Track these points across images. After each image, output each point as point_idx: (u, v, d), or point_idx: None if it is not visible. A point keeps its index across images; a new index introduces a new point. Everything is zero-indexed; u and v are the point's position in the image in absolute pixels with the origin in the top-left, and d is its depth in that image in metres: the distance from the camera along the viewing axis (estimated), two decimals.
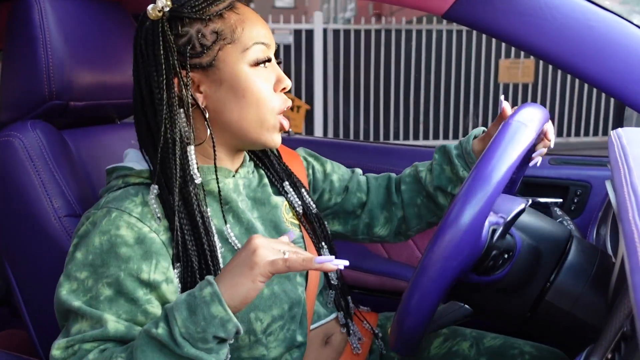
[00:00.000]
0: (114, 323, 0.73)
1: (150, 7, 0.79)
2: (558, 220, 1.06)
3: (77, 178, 1.04)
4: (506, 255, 0.82)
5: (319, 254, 0.97)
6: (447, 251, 0.71)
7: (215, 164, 0.83)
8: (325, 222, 1.01)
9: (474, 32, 6.65)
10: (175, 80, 0.80)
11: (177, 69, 0.79)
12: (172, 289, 0.79)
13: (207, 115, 0.82)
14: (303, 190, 0.99)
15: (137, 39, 0.82)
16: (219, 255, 0.82)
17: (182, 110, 0.80)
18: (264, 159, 0.98)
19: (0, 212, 1.02)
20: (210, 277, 0.70)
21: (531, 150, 0.94)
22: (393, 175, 1.11)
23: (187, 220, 0.80)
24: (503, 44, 6.99)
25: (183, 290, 0.80)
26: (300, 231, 0.97)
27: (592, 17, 0.99)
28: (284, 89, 0.86)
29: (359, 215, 1.08)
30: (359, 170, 1.13)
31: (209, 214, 0.83)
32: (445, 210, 0.98)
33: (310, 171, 1.08)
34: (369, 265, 1.57)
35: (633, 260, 0.43)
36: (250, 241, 0.71)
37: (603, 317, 0.76)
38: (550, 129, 0.96)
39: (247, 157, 0.95)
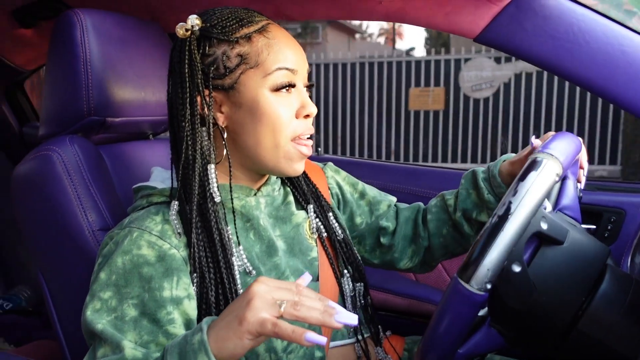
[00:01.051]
0: (131, 350, 0.73)
1: (179, 25, 0.81)
2: None
3: (111, 193, 1.06)
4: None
5: (338, 280, 0.95)
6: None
7: (230, 183, 0.84)
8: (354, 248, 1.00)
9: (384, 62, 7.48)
10: (199, 99, 0.81)
11: (200, 88, 0.81)
12: (193, 305, 0.79)
13: (224, 135, 0.84)
14: (330, 214, 0.98)
15: (171, 56, 0.85)
16: (237, 274, 0.82)
17: (204, 128, 0.82)
18: (293, 179, 0.98)
19: (36, 224, 1.05)
20: (205, 322, 0.69)
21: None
22: (422, 206, 1.09)
23: (204, 236, 0.81)
24: (413, 73, 7.64)
25: (199, 305, 0.80)
26: (317, 255, 0.95)
27: (625, 42, 0.98)
28: (308, 115, 0.85)
29: (385, 245, 1.06)
30: (393, 198, 1.11)
31: (229, 232, 0.83)
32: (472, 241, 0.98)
33: (337, 190, 1.07)
34: (397, 288, 1.56)
35: None
36: (250, 288, 0.66)
37: (637, 348, 0.74)
38: (583, 156, 0.93)
39: (273, 177, 0.95)
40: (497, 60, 7.34)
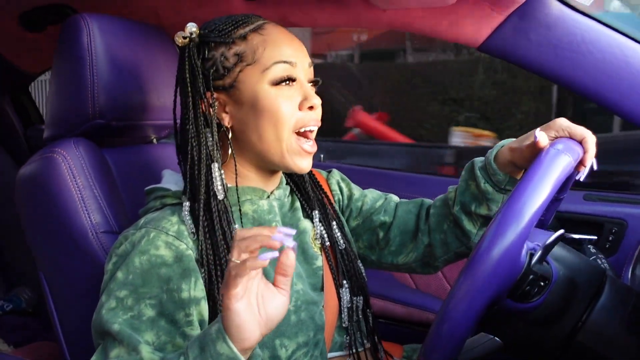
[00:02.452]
0: (149, 354, 0.72)
1: (177, 34, 0.84)
2: (592, 258, 1.03)
3: (115, 195, 1.07)
4: (542, 283, 0.80)
5: (337, 292, 0.95)
6: (477, 284, 0.70)
7: (236, 181, 0.85)
8: (358, 260, 1.00)
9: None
10: (200, 102, 0.84)
11: (202, 92, 0.83)
12: (206, 306, 0.80)
13: (229, 135, 0.85)
14: (334, 223, 0.98)
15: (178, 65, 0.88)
16: None
17: (208, 129, 0.84)
18: (300, 185, 0.98)
19: (39, 226, 1.06)
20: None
21: (568, 179, 0.91)
22: (427, 201, 1.06)
23: (210, 235, 0.81)
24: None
25: (208, 302, 0.80)
26: (322, 264, 0.95)
27: (629, 53, 0.98)
28: (312, 107, 0.86)
29: (382, 238, 1.04)
30: (393, 197, 1.09)
31: (235, 231, 0.83)
32: (474, 242, 0.97)
33: (339, 196, 1.07)
34: (397, 295, 1.56)
35: None
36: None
37: None
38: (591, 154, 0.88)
39: (284, 180, 0.96)
40: None
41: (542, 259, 0.79)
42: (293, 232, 0.65)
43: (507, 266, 0.72)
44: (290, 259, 0.67)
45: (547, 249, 0.78)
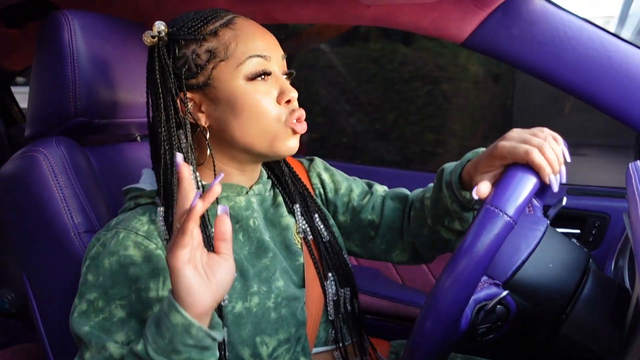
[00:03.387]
0: (117, 350, 0.73)
1: (145, 33, 0.82)
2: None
3: (98, 194, 1.06)
4: (499, 322, 0.80)
5: (322, 284, 0.93)
6: (430, 332, 0.70)
7: (214, 184, 0.82)
8: (343, 251, 0.98)
9: None
10: (178, 102, 0.82)
11: (174, 92, 0.81)
12: None
13: (207, 135, 0.83)
14: (316, 215, 0.97)
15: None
16: None
17: (180, 131, 0.81)
18: (280, 177, 0.96)
19: (21, 226, 1.04)
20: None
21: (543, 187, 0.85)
22: (412, 196, 1.02)
23: None
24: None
25: None
26: (302, 257, 0.93)
27: (611, 48, 0.99)
28: (289, 100, 0.84)
29: (372, 237, 1.02)
30: (379, 190, 1.04)
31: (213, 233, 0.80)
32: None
33: (320, 190, 1.04)
34: (383, 291, 1.56)
35: None
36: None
37: (619, 351, 0.75)
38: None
39: (265, 174, 0.95)
40: None
41: (492, 312, 0.78)
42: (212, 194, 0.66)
43: (445, 332, 0.71)
44: (225, 224, 0.69)
45: (492, 308, 0.78)
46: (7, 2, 1.38)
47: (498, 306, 0.79)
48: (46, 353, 1.07)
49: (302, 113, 0.85)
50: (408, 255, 1.02)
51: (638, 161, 0.81)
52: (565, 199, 0.98)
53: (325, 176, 1.05)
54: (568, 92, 1.08)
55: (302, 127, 0.85)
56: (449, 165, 0.90)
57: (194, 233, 0.65)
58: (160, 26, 0.82)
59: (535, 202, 0.97)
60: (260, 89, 0.82)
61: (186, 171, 0.66)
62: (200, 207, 0.64)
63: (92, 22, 1.08)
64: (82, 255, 0.97)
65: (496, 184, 0.73)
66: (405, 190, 1.04)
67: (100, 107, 1.07)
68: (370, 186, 1.06)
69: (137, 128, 1.23)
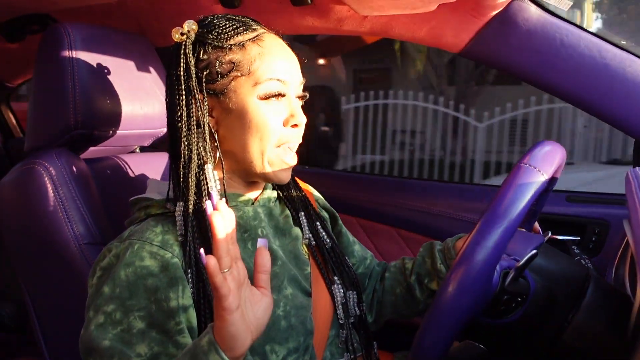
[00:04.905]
0: None
1: (175, 29, 0.82)
2: (576, 259, 1.04)
3: (98, 206, 1.06)
4: (519, 299, 0.81)
5: (329, 289, 0.95)
6: (461, 288, 0.71)
7: (224, 187, 0.84)
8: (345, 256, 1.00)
9: None
10: (193, 102, 0.82)
11: (194, 91, 0.82)
12: (194, 313, 0.79)
13: (216, 137, 0.84)
14: (318, 223, 0.99)
15: (169, 62, 0.86)
16: None
17: (199, 130, 0.83)
18: (284, 189, 0.98)
19: (22, 238, 1.04)
20: (211, 325, 0.69)
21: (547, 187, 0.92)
22: (382, 264, 1.14)
23: (200, 239, 0.80)
24: None
25: (197, 303, 0.79)
26: (309, 267, 0.94)
27: (608, 55, 1.00)
28: (296, 125, 0.86)
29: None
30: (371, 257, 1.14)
31: None
32: (421, 309, 1.03)
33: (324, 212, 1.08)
34: None
35: None
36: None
37: (621, 358, 0.74)
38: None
39: (270, 186, 0.96)
40: None
41: (517, 277, 0.80)
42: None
43: (486, 275, 0.72)
44: (265, 257, 0.70)
45: (521, 269, 0.79)
46: (8, 16, 1.38)
47: (520, 279, 0.81)
48: None
49: (299, 138, 0.88)
50: (372, 316, 1.10)
51: (637, 168, 0.81)
52: (549, 233, 1.02)
53: (328, 207, 1.10)
54: (565, 99, 1.08)
55: (293, 161, 0.88)
56: (437, 242, 1.03)
57: (234, 273, 0.66)
58: (190, 25, 0.83)
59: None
60: (272, 109, 0.84)
61: (212, 262, 0.64)
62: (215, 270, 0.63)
63: (91, 34, 1.08)
64: (83, 267, 0.97)
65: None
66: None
67: (100, 119, 1.07)
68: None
69: (137, 139, 1.23)
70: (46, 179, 1.00)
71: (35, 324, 1.06)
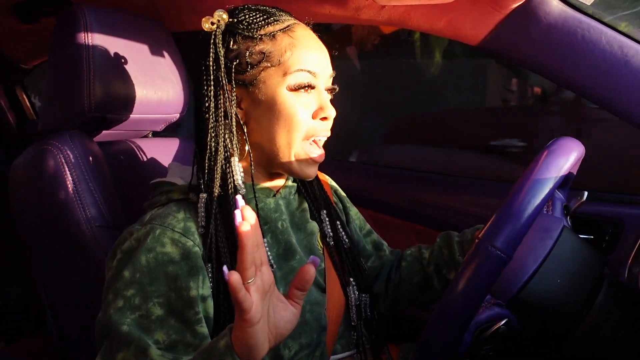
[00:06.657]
0: (159, 357, 0.71)
1: (205, 18, 0.81)
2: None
3: (110, 189, 1.06)
4: (501, 342, 0.79)
5: (344, 290, 0.95)
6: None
7: (252, 179, 0.83)
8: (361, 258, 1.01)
9: None
10: (222, 92, 0.81)
11: (224, 82, 0.81)
12: (212, 303, 0.79)
13: (245, 130, 0.83)
14: (338, 222, 0.98)
15: (195, 49, 0.85)
16: None
17: (227, 121, 0.81)
18: (306, 184, 0.97)
19: (34, 219, 1.04)
20: (229, 327, 0.67)
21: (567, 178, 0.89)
22: (395, 252, 1.13)
23: (223, 230, 0.80)
24: None
25: (215, 296, 0.79)
26: (324, 262, 0.94)
27: (630, 52, 0.98)
28: (325, 118, 0.85)
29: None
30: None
31: None
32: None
33: (340, 206, 1.07)
34: None
35: None
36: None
37: (636, 358, 0.74)
38: None
39: (291, 178, 0.95)
40: None
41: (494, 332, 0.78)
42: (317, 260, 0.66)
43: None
44: (310, 274, 0.66)
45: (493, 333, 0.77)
46: None
47: (501, 326, 0.78)
48: (55, 347, 1.07)
49: (328, 131, 0.87)
50: (385, 306, 1.10)
51: None
52: (586, 194, 0.96)
53: (342, 197, 1.10)
54: (584, 96, 1.06)
55: (320, 157, 0.86)
56: (453, 232, 1.04)
57: (258, 282, 0.63)
58: (221, 14, 0.81)
59: (558, 194, 0.95)
60: (302, 100, 0.83)
61: (235, 278, 0.60)
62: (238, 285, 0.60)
63: (107, 17, 1.08)
64: (94, 249, 0.97)
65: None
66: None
67: (114, 102, 1.07)
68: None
69: (150, 124, 1.23)
70: (59, 160, 1.00)
71: (45, 304, 1.06)
